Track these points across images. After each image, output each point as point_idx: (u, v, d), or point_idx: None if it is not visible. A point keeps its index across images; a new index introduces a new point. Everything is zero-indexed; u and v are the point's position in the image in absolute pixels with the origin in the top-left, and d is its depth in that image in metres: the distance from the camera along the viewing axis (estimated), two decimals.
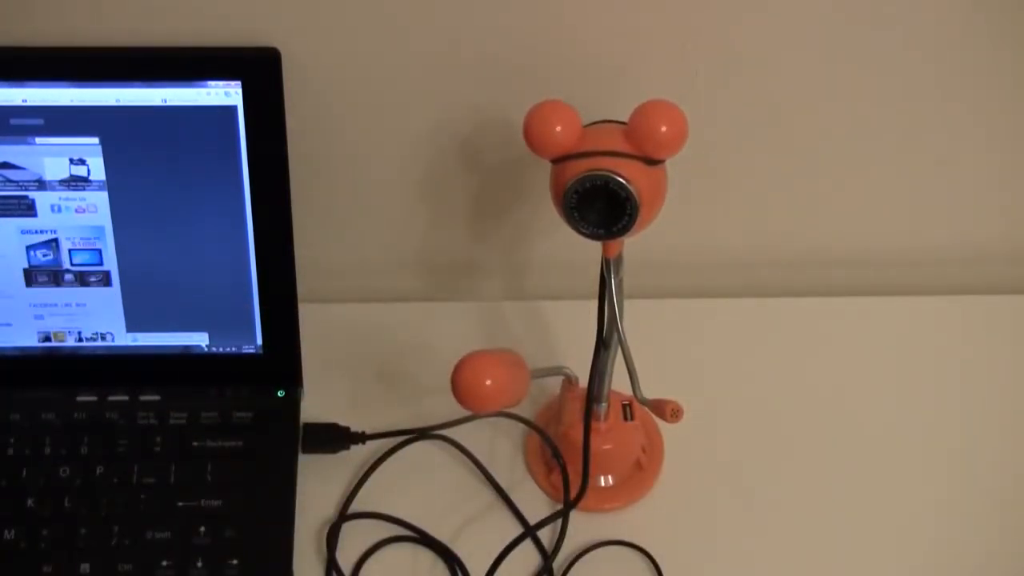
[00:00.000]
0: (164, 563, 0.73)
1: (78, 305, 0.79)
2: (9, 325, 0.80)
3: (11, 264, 0.77)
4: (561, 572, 0.76)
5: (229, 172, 0.75)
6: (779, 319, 0.90)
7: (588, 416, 0.76)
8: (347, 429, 0.81)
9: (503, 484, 0.79)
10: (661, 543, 0.77)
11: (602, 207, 0.65)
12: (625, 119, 0.66)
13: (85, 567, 0.73)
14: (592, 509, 0.78)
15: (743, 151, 0.87)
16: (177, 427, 0.79)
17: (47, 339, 0.80)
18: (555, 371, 0.79)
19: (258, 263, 0.78)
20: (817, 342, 0.89)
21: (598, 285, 0.71)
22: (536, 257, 0.92)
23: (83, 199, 0.76)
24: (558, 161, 0.66)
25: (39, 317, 0.79)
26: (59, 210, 0.76)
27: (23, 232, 0.76)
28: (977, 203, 0.91)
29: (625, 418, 0.79)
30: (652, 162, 0.65)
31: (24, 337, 0.80)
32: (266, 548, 0.74)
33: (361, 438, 0.81)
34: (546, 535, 0.77)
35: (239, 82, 0.73)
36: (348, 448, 0.81)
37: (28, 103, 0.73)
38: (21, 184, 0.75)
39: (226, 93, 0.73)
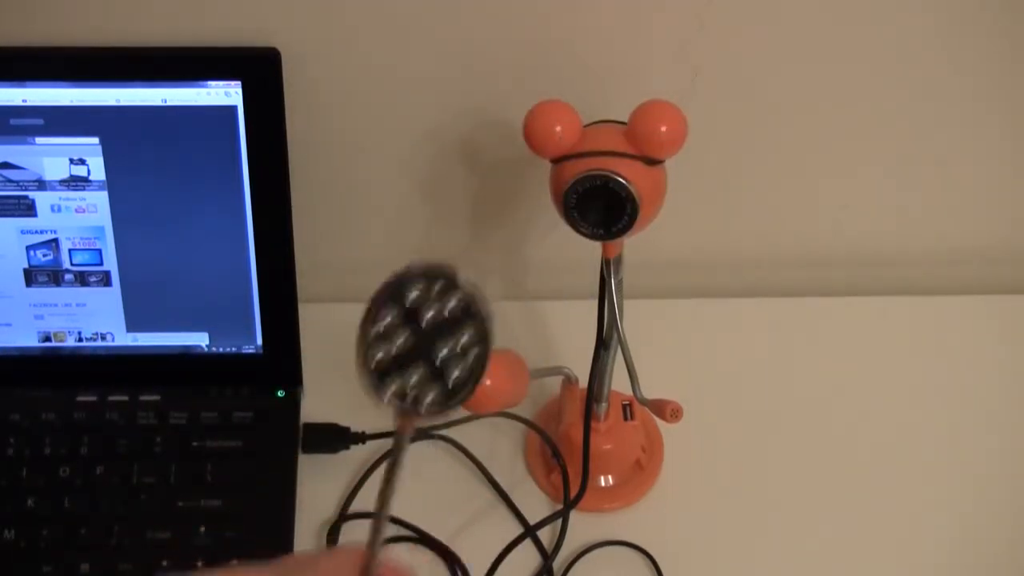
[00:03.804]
0: (164, 563, 0.73)
1: (78, 305, 0.79)
2: (9, 325, 0.80)
3: (11, 264, 0.77)
4: (561, 572, 0.76)
5: (229, 172, 0.75)
6: (779, 319, 0.90)
7: (588, 416, 0.76)
8: (347, 429, 0.81)
9: (503, 484, 0.79)
10: (661, 543, 0.77)
11: (602, 207, 0.65)
12: (625, 119, 0.66)
13: (85, 567, 0.73)
14: (592, 509, 0.78)
15: (743, 151, 0.87)
16: (177, 427, 0.79)
17: (47, 339, 0.80)
18: (555, 371, 0.79)
19: (258, 263, 0.78)
20: (817, 342, 0.89)
21: (598, 285, 0.72)
22: (536, 257, 0.92)
23: (83, 199, 0.76)
24: (558, 161, 0.66)
25: (39, 317, 0.79)
26: (59, 210, 0.76)
27: (23, 232, 0.76)
28: (977, 203, 0.91)
29: (625, 418, 0.79)
30: (652, 162, 0.65)
31: (24, 337, 0.80)
32: (266, 548, 0.74)
33: (361, 438, 0.81)
34: (546, 535, 0.77)
35: (239, 82, 0.73)
36: (348, 448, 0.81)
37: (28, 103, 0.73)
38: (21, 184, 0.75)
39: (226, 93, 0.73)
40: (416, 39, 0.79)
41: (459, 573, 0.75)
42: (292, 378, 0.82)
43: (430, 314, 0.47)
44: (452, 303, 0.47)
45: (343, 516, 0.77)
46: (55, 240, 0.77)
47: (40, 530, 0.74)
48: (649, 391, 0.72)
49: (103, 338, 0.80)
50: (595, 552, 0.77)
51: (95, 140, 0.74)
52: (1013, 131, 0.87)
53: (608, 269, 0.70)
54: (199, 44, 0.75)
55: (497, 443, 0.82)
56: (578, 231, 0.66)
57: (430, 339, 0.47)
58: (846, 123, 0.86)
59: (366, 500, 0.79)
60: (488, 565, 0.74)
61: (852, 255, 0.94)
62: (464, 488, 0.80)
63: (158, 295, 0.79)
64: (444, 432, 0.81)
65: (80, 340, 0.80)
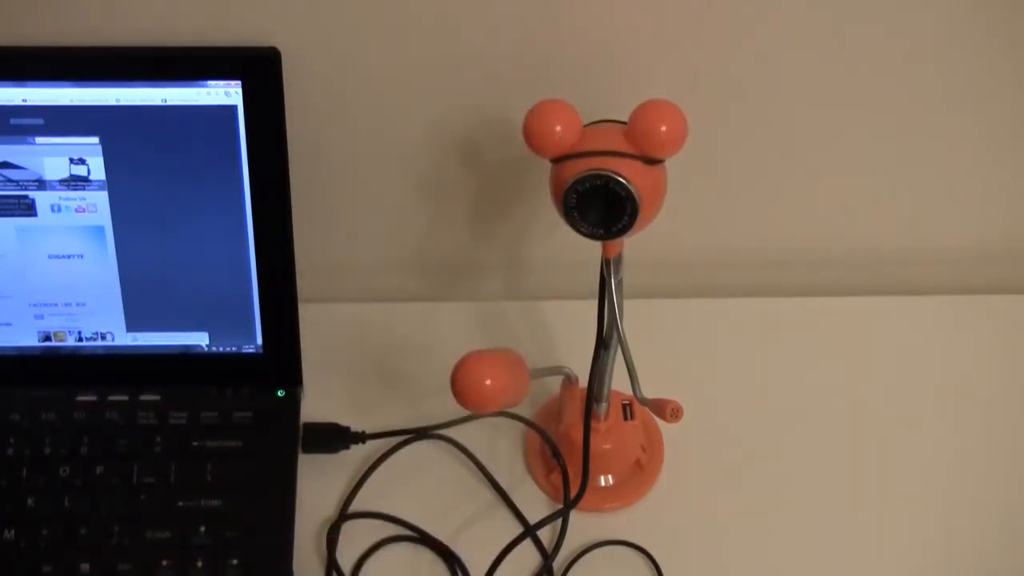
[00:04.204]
0: (164, 563, 0.73)
1: (78, 305, 0.79)
2: (9, 325, 0.80)
3: (11, 264, 0.77)
4: (561, 572, 0.76)
5: (229, 172, 0.75)
6: (779, 319, 0.90)
7: (588, 416, 0.76)
8: (347, 429, 0.81)
9: (503, 484, 0.79)
10: (661, 543, 0.77)
11: (602, 207, 0.65)
12: (625, 119, 0.66)
13: (85, 567, 0.73)
14: (592, 509, 0.78)
15: (743, 151, 0.87)
16: (177, 427, 0.79)
17: (47, 339, 0.80)
18: (555, 371, 0.79)
19: (258, 263, 0.78)
20: (817, 342, 0.89)
21: (598, 285, 0.72)
22: (536, 257, 0.92)
23: (83, 199, 0.76)
24: (558, 161, 0.66)
25: (39, 317, 0.79)
26: (59, 210, 0.76)
27: (23, 232, 0.76)
28: (977, 203, 0.91)
29: (625, 418, 0.79)
30: (652, 162, 0.65)
31: (24, 337, 0.80)
32: (266, 548, 0.74)
33: (361, 438, 0.81)
34: (546, 535, 0.77)
35: (239, 82, 0.73)
36: (348, 448, 0.81)
37: (28, 103, 0.73)
38: (21, 184, 0.75)
39: (226, 93, 0.73)
40: (416, 39, 0.79)
41: (459, 573, 0.75)
42: (292, 378, 0.82)
43: None
44: None
45: (343, 516, 0.78)
46: (55, 240, 0.77)
47: (40, 530, 0.74)
48: (649, 391, 0.72)
49: (103, 338, 0.80)
50: (595, 552, 0.77)
51: (95, 140, 0.74)
52: (1013, 131, 0.87)
53: (608, 269, 0.70)
54: (199, 44, 0.75)
55: (497, 443, 0.82)
56: (578, 231, 0.66)
57: None
58: (846, 123, 0.86)
59: (366, 500, 0.79)
60: (488, 565, 0.74)
61: (852, 255, 0.94)
62: (464, 488, 0.80)
63: (158, 295, 0.79)
64: (444, 432, 0.81)
65: (80, 340, 0.80)
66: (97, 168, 0.75)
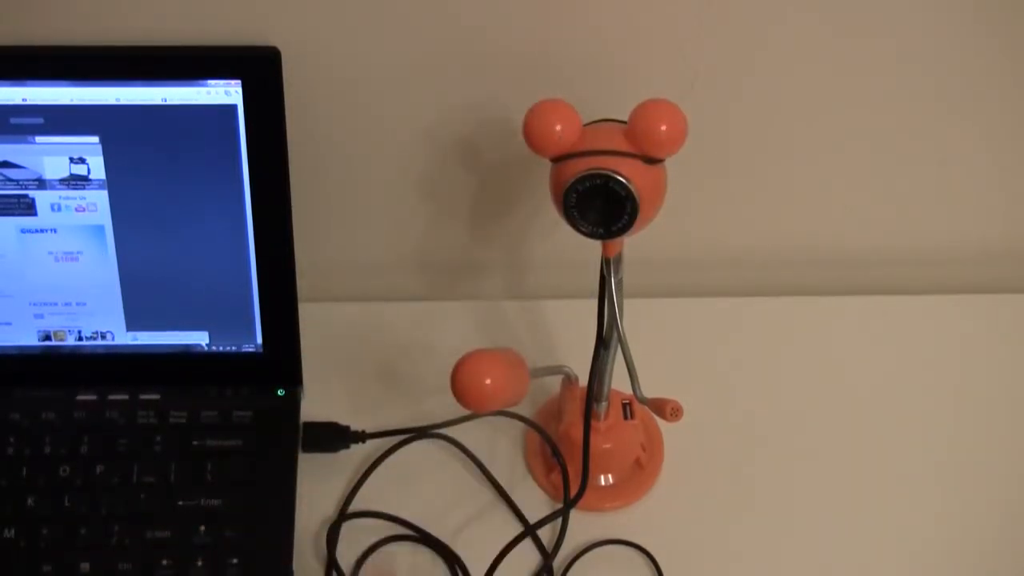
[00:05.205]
0: (164, 563, 0.73)
1: (78, 304, 0.79)
2: (9, 324, 0.80)
3: (11, 263, 0.77)
4: (561, 571, 0.76)
5: (229, 171, 0.75)
6: (779, 319, 0.90)
7: (588, 415, 0.76)
8: (347, 428, 0.81)
9: (503, 483, 0.79)
10: (661, 543, 0.77)
11: (602, 206, 0.65)
12: (625, 119, 0.66)
13: (85, 566, 0.73)
14: (592, 508, 0.78)
15: (743, 150, 0.87)
16: (177, 426, 0.79)
17: (47, 338, 0.80)
18: (555, 370, 0.79)
19: (258, 262, 0.78)
20: (817, 341, 0.89)
21: (598, 285, 0.72)
22: (536, 256, 0.92)
23: (83, 198, 0.76)
24: (558, 160, 0.66)
25: (39, 316, 0.79)
26: (59, 209, 0.76)
27: (23, 231, 0.76)
28: (977, 203, 0.92)
29: (625, 417, 0.79)
30: (652, 161, 0.65)
31: (24, 336, 0.80)
32: (266, 548, 0.74)
33: (361, 437, 0.81)
34: (546, 534, 0.77)
35: (239, 81, 0.73)
36: (348, 447, 0.81)
37: (28, 102, 0.73)
38: (21, 183, 0.75)
39: (226, 92, 0.73)
40: (416, 39, 0.79)
41: (459, 573, 0.75)
42: (292, 377, 0.82)
43: None
44: None
45: (343, 515, 0.77)
46: (55, 239, 0.77)
47: (40, 530, 0.74)
48: (649, 390, 0.72)
49: (103, 337, 0.80)
50: (595, 551, 0.77)
51: (95, 139, 0.74)
52: (1013, 132, 0.87)
53: (608, 268, 0.70)
54: (199, 43, 0.75)
55: (497, 442, 0.82)
56: (578, 230, 0.66)
57: None
58: (846, 123, 0.86)
59: (366, 499, 0.79)
60: (488, 564, 0.74)
61: (852, 255, 0.94)
62: (464, 487, 0.80)
63: (158, 294, 0.79)
64: (444, 431, 0.81)
65: (80, 339, 0.80)
66: (97, 167, 0.75)
